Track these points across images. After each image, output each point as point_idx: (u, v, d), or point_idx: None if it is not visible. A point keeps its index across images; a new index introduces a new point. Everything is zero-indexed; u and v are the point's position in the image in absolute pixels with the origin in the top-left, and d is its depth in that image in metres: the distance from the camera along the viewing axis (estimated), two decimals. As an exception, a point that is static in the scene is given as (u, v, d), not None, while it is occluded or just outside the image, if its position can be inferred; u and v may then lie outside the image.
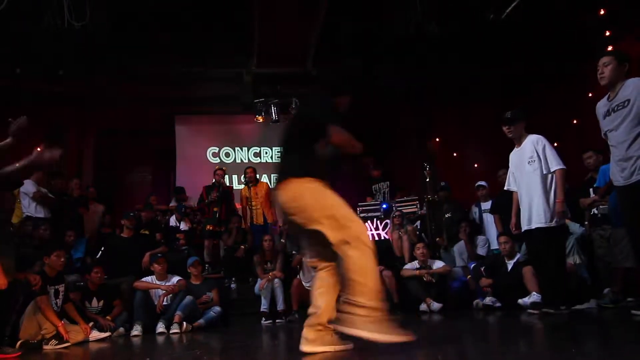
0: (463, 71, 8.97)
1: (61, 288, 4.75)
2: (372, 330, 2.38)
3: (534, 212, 4.16)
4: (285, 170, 2.67)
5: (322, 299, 2.59)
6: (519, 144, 4.41)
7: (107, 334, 4.89)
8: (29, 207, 6.37)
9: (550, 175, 4.18)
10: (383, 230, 7.38)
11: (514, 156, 4.50)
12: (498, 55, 8.43)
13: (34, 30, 6.62)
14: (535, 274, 4.74)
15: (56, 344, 4.32)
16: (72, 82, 8.32)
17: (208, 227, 7.23)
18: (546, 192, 4.14)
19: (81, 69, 7.96)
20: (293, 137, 2.79)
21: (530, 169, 4.24)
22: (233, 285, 6.33)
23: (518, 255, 5.41)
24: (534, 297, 4.68)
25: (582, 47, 7.66)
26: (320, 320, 2.55)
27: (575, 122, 8.75)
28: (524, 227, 4.28)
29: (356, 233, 2.48)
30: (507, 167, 6.15)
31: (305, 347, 2.51)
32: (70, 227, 6.58)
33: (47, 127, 9.30)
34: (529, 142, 4.31)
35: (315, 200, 2.53)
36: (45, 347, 4.29)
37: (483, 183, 6.89)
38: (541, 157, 4.19)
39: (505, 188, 4.69)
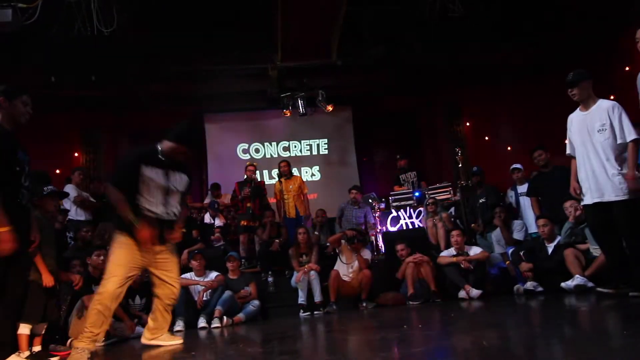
0: (491, 51, 8.76)
1: (106, 287, 4.90)
2: None
3: (608, 185, 3.71)
4: None
5: None
6: (586, 107, 3.93)
7: (152, 330, 5.04)
8: (70, 211, 6.60)
9: (621, 146, 3.72)
10: (417, 218, 7.32)
11: (577, 120, 3.99)
12: (527, 32, 8.19)
13: (65, 39, 6.81)
14: (579, 256, 4.61)
15: (103, 341, 4.48)
16: (104, 87, 8.54)
17: (242, 222, 7.33)
18: (620, 163, 3.70)
19: (112, 73, 8.16)
20: None
21: (600, 137, 3.77)
22: (270, 279, 6.40)
23: (558, 238, 5.27)
24: (578, 279, 4.56)
25: (618, 19, 7.34)
26: None
27: (612, 97, 8.42)
28: (590, 200, 3.83)
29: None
30: (542, 148, 6.05)
31: None
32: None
33: (83, 132, 9.64)
34: (601, 108, 3.84)
35: None
36: (94, 344, 4.46)
37: (518, 166, 6.72)
38: (615, 125, 3.72)
39: (567, 153, 4.13)
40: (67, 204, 6.57)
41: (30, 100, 3.16)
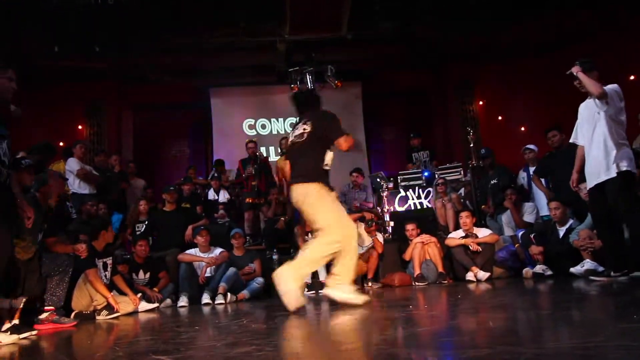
0: (506, 27, 8.59)
1: (109, 261, 4.98)
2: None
3: (603, 165, 3.88)
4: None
5: None
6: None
7: (155, 305, 5.14)
8: (73, 184, 6.65)
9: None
10: (425, 198, 7.31)
11: (586, 107, 4.12)
12: (543, 8, 8.01)
13: (69, 8, 6.77)
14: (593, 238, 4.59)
15: (107, 315, 4.56)
16: (108, 58, 8.51)
17: (247, 199, 7.37)
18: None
19: (116, 44, 8.12)
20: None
21: (602, 122, 3.92)
22: (275, 257, 6.45)
23: (570, 222, 5.25)
24: (588, 264, 4.56)
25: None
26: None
27: (632, 77, 8.30)
28: (593, 183, 3.99)
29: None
30: (557, 129, 5.98)
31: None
32: (111, 202, 6.85)
33: (87, 104, 9.66)
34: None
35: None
36: (97, 317, 4.55)
37: (531, 146, 6.66)
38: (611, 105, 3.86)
39: (571, 141, 4.35)
40: (70, 177, 6.63)
41: (16, 76, 3.18)
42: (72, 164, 6.61)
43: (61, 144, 8.20)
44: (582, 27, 8.30)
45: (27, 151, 5.26)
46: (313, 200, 3.47)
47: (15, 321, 3.48)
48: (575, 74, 3.97)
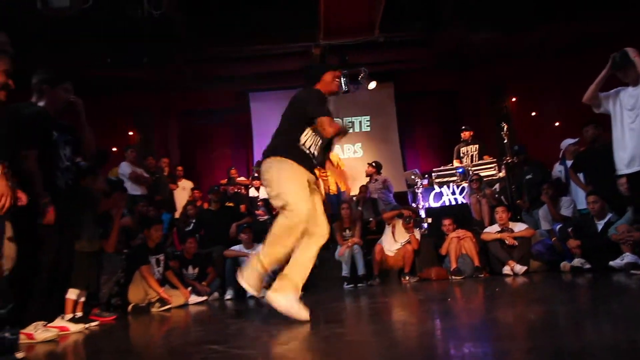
0: (537, 25, 8.31)
1: (161, 257, 5.14)
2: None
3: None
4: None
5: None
6: (636, 84, 3.86)
7: (204, 297, 5.27)
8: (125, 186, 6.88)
9: None
10: (460, 194, 7.19)
11: (627, 97, 3.94)
12: (574, 5, 7.71)
13: (118, 22, 6.99)
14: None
15: (160, 307, 4.71)
16: (155, 68, 8.74)
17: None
18: None
19: (161, 55, 8.33)
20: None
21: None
22: (315, 251, 6.49)
23: (609, 215, 5.04)
24: (628, 257, 4.37)
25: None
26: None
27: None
28: (629, 169, 3.85)
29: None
30: (593, 123, 5.75)
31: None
32: (160, 202, 7.06)
33: (136, 111, 9.98)
34: None
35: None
36: (152, 309, 4.71)
37: (572, 140, 6.40)
38: None
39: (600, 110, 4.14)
40: (123, 179, 6.85)
41: (72, 87, 3.31)
42: (125, 168, 6.84)
43: (114, 149, 8.51)
44: (611, 29, 7.94)
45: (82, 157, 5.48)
46: (273, 174, 2.83)
47: (79, 313, 3.66)
48: (632, 58, 3.75)
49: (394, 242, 5.92)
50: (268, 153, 2.90)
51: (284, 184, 2.76)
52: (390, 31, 8.24)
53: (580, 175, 5.88)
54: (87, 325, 3.41)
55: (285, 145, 2.88)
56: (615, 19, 7.89)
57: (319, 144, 2.96)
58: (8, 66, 2.24)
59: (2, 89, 2.17)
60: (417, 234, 6.00)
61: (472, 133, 8.08)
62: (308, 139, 2.91)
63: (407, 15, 8.20)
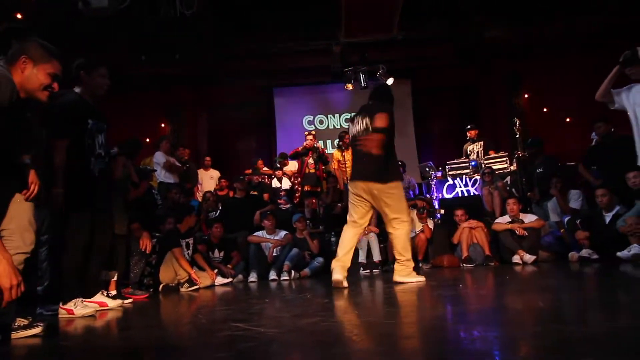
0: (553, 22, 8.10)
1: (191, 241, 5.24)
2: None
3: None
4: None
5: None
6: None
7: (229, 279, 5.35)
8: (160, 174, 6.99)
9: None
10: (472, 186, 7.10)
11: (638, 93, 3.83)
12: (590, 2, 7.47)
13: (153, 21, 7.07)
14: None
15: (188, 287, 4.81)
16: (186, 64, 8.83)
17: (306, 187, 7.48)
18: None
19: (192, 52, 8.40)
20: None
21: None
22: (333, 239, 6.51)
23: (617, 208, 4.92)
24: (636, 249, 4.27)
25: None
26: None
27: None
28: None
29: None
30: (603, 121, 5.61)
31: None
32: (190, 190, 7.16)
33: (168, 105, 10.12)
34: None
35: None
36: (181, 289, 4.81)
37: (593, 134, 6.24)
38: None
39: (615, 106, 3.99)
40: (157, 168, 6.97)
41: (108, 72, 3.16)
42: (159, 157, 6.94)
43: (147, 140, 8.64)
44: (628, 24, 7.66)
45: (117, 147, 5.57)
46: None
47: (113, 292, 3.76)
48: None
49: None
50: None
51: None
52: (408, 29, 8.14)
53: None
54: (123, 302, 3.49)
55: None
56: (630, 17, 7.63)
57: None
58: (57, 70, 2.19)
59: (44, 90, 2.17)
60: (431, 223, 5.96)
61: (477, 132, 8.01)
62: None
63: (425, 12, 8.09)
